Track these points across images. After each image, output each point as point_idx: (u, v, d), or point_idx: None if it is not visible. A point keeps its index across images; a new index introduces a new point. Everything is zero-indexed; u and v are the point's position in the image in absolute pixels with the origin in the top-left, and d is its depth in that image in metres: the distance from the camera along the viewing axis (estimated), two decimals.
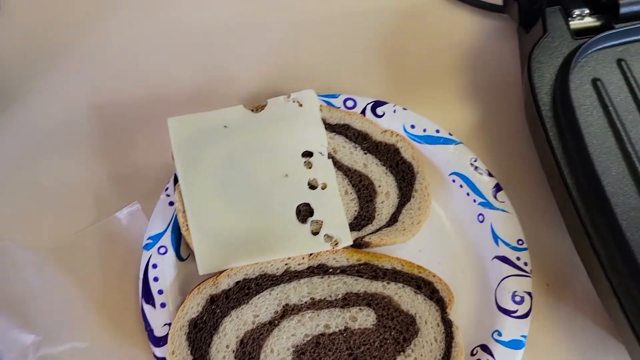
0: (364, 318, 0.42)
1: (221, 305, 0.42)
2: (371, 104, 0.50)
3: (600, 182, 0.39)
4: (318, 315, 0.42)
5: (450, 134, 0.48)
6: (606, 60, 0.46)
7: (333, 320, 0.42)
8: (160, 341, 0.42)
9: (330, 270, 0.44)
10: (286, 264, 0.44)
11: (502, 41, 0.56)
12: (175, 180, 0.46)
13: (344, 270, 0.44)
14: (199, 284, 0.43)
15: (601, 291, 0.40)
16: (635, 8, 0.47)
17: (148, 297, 0.43)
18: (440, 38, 0.57)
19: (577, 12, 0.48)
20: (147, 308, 0.43)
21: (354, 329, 0.42)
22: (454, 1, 0.59)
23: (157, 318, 0.42)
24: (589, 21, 0.48)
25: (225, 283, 0.43)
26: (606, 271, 0.38)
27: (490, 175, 0.46)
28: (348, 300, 0.43)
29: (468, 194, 0.46)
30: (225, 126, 0.48)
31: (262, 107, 0.49)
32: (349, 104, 0.50)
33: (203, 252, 0.44)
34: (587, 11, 0.48)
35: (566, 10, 0.48)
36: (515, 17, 0.50)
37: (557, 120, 0.42)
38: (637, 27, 0.47)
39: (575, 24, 0.48)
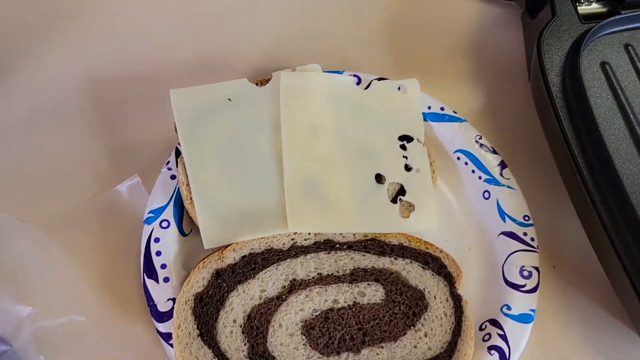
0: (373, 293, 0.42)
1: (227, 279, 0.41)
2: (375, 81, 0.49)
3: (612, 161, 0.39)
4: (326, 291, 0.42)
5: (455, 112, 0.48)
6: (614, 44, 0.47)
7: (341, 296, 0.42)
8: (164, 316, 0.41)
9: (337, 245, 0.43)
10: (292, 239, 0.43)
11: (505, 28, 0.57)
12: (177, 153, 0.45)
13: (350, 246, 0.43)
14: (204, 258, 0.42)
15: (612, 274, 0.40)
16: None
17: (150, 271, 0.42)
18: (445, 22, 0.57)
19: None
20: (149, 283, 0.41)
21: (363, 304, 0.41)
22: None
23: (160, 293, 0.41)
24: (596, 7, 0.49)
25: (231, 257, 0.42)
26: (618, 253, 0.38)
27: (495, 152, 0.47)
28: (356, 276, 0.42)
29: (473, 171, 0.46)
30: (229, 99, 0.47)
31: (267, 81, 0.48)
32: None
33: (208, 226, 0.43)
34: None
35: None
36: (522, 3, 0.51)
37: (567, 101, 0.43)
38: None
39: (583, 9, 0.48)
